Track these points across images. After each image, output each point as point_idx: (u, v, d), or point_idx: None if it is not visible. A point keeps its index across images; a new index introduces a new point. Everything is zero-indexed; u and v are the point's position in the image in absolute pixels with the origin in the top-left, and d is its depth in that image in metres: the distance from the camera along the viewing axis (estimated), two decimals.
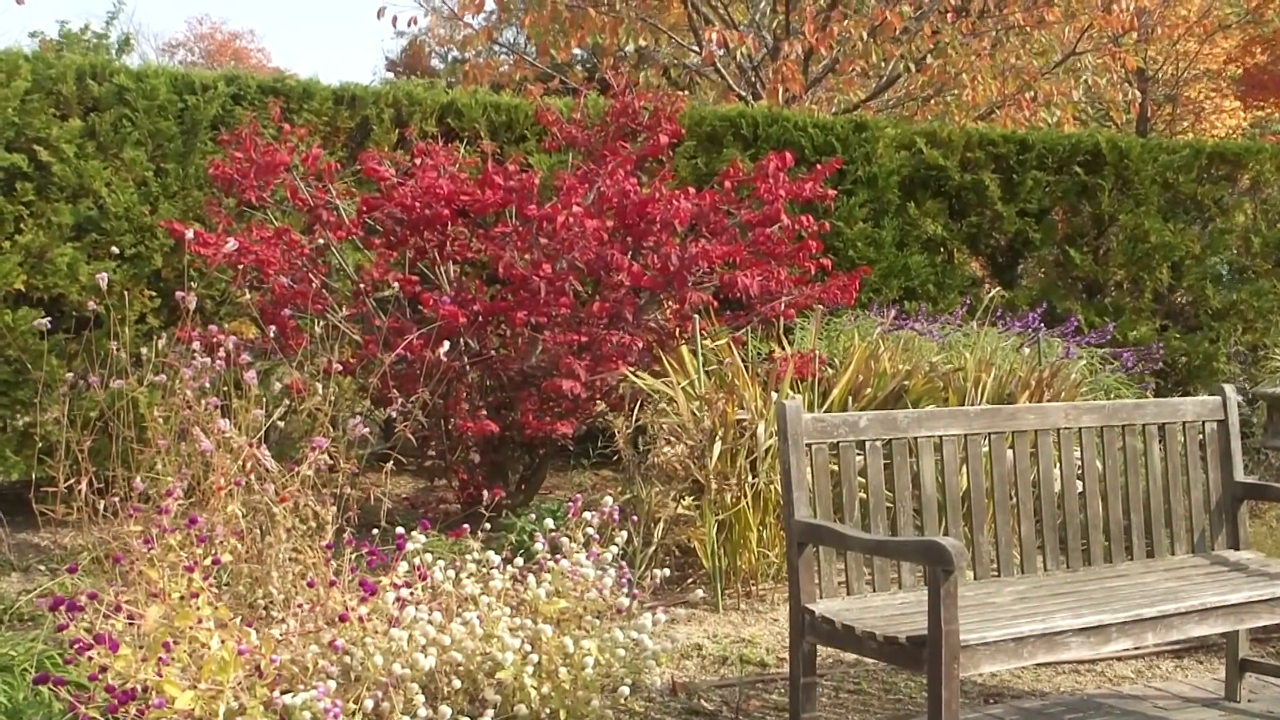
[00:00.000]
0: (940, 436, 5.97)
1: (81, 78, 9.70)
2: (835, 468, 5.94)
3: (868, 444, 5.79)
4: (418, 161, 9.07)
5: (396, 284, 8.38)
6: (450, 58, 28.46)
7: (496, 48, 21.83)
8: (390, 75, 34.41)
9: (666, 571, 6.82)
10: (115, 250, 8.99)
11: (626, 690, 5.66)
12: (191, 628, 5.30)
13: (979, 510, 6.10)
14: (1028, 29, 17.93)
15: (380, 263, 8.77)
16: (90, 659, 5.32)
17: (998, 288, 12.30)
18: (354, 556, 6.04)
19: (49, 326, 7.21)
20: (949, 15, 16.81)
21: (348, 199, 9.19)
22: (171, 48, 41.86)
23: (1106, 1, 17.22)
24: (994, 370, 8.85)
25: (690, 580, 7.71)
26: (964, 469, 6.28)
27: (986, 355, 9.18)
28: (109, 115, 9.59)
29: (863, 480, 5.84)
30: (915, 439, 5.90)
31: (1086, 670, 6.76)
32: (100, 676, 5.21)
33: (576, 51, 17.28)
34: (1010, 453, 6.18)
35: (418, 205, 8.50)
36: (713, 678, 6.49)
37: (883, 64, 16.92)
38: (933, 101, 18.75)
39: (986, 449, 6.21)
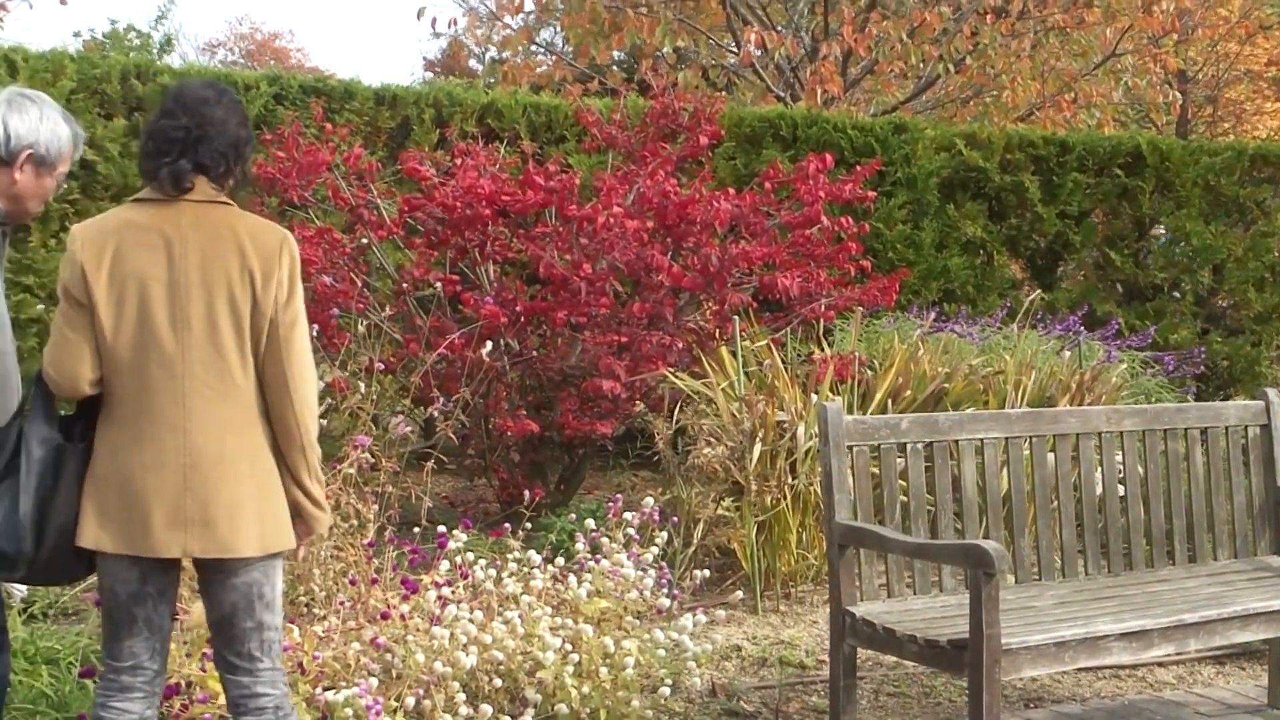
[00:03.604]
0: (982, 439, 5.97)
1: (126, 77, 9.77)
2: (876, 470, 5.94)
3: (909, 446, 5.78)
4: (458, 161, 9.08)
5: (439, 284, 8.40)
6: (488, 58, 28.52)
7: (534, 48, 21.88)
8: (428, 76, 34.50)
9: (706, 573, 6.84)
10: None
11: (667, 691, 5.68)
12: None
13: (1020, 514, 6.10)
14: (1067, 30, 17.85)
15: (421, 262, 8.79)
16: None
17: (1038, 290, 12.25)
18: (395, 555, 6.07)
19: None
20: (988, 16, 16.72)
21: (388, 198, 9.22)
22: (211, 48, 42.04)
23: (1147, 2, 17.12)
24: (1034, 373, 8.83)
25: (729, 581, 7.70)
26: (1005, 472, 6.27)
27: (1027, 358, 9.15)
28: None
29: (903, 483, 5.84)
30: (956, 441, 5.90)
31: (1127, 675, 6.74)
32: None
33: (615, 53, 17.28)
34: (1051, 456, 6.17)
35: (459, 205, 8.51)
36: (752, 679, 6.49)
37: (921, 65, 16.86)
38: (971, 103, 18.69)
39: (1028, 452, 6.20)
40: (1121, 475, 6.39)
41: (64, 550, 3.88)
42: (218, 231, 3.91)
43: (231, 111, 4.02)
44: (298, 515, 4.05)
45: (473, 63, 30.50)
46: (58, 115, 4.31)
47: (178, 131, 3.91)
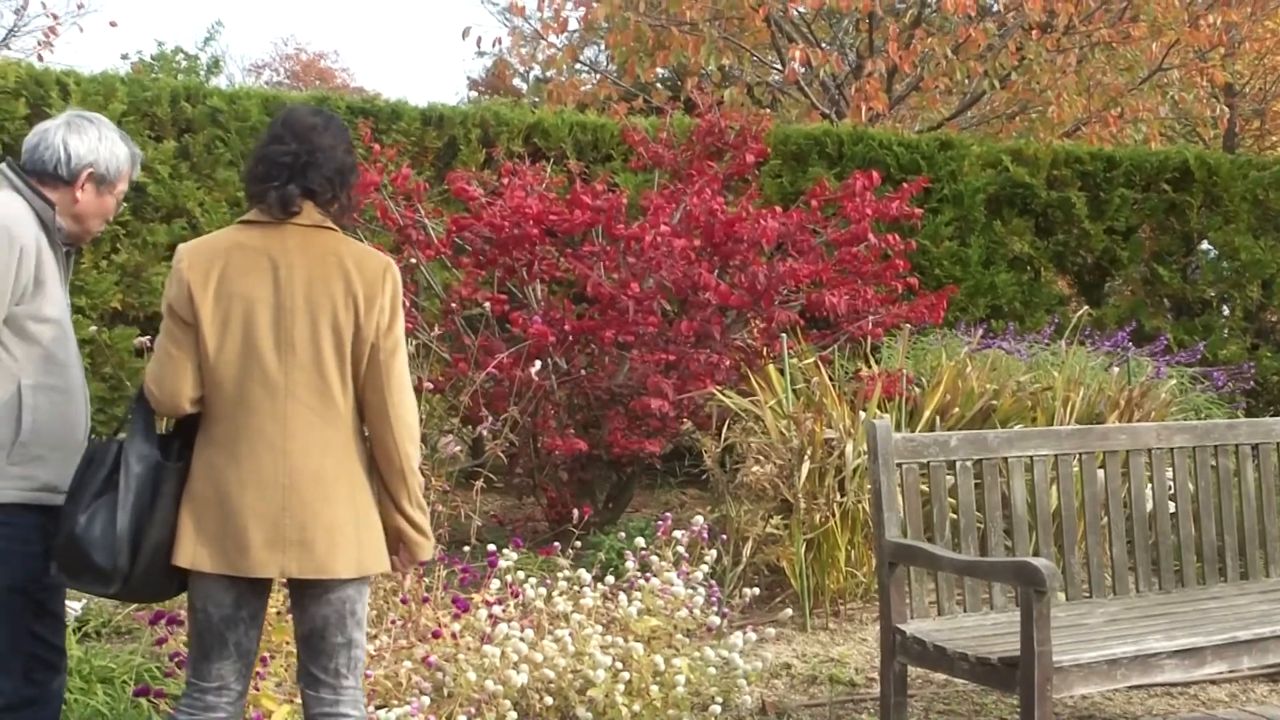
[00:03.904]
0: (1031, 456, 5.97)
1: (176, 100, 9.85)
2: (925, 488, 5.94)
3: (958, 464, 5.79)
4: (505, 181, 9.13)
5: (487, 303, 8.43)
6: (532, 77, 28.60)
7: (579, 66, 21.91)
8: (473, 95, 34.60)
9: (756, 590, 6.85)
10: None
11: (718, 709, 5.68)
12: (286, 642, 5.37)
13: (1070, 530, 6.09)
14: (1113, 45, 17.77)
15: (469, 281, 8.83)
16: None
17: (1085, 306, 12.22)
18: (445, 573, 6.10)
19: (149, 345, 7.36)
20: (1033, 32, 16.68)
21: (436, 218, 9.27)
22: (257, 68, 42.13)
23: (1193, 16, 17.04)
24: (1083, 390, 8.82)
25: (778, 599, 7.70)
26: (1054, 489, 6.26)
27: (1075, 374, 9.13)
28: (202, 136, 9.73)
29: (952, 500, 5.84)
30: (1006, 459, 5.90)
31: (1179, 693, 6.70)
32: None
33: (659, 70, 17.30)
34: (1101, 473, 6.16)
35: (507, 225, 8.55)
36: (802, 697, 6.49)
37: (966, 81, 16.83)
38: (1017, 119, 18.63)
39: (1077, 469, 6.19)
40: (1172, 492, 6.38)
41: (158, 568, 3.91)
42: (323, 256, 3.95)
43: (338, 139, 4.07)
44: (400, 541, 4.09)
45: (517, 81, 30.58)
46: (115, 135, 4.40)
47: (286, 156, 3.96)
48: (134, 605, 6.91)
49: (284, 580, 3.99)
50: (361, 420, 4.01)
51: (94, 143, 4.34)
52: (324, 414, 3.91)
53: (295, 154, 3.96)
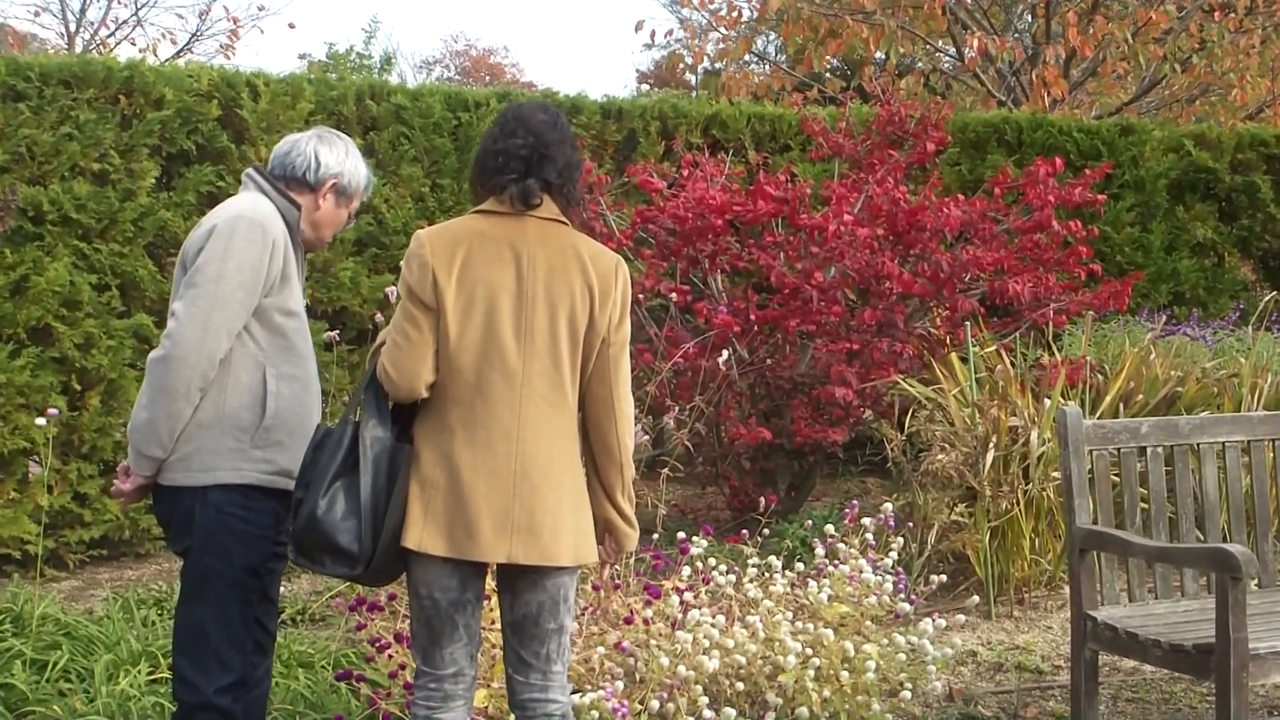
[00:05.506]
0: (1223, 443, 5.92)
1: (360, 98, 10.02)
2: (1115, 476, 5.92)
3: (1149, 450, 5.76)
4: (686, 173, 9.20)
5: (672, 294, 8.52)
6: (701, 69, 28.71)
7: (748, 57, 21.93)
8: (643, 88, 34.74)
9: (943, 578, 6.86)
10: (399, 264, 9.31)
11: (908, 695, 5.72)
12: (484, 629, 5.49)
13: (1263, 518, 6.03)
14: None
15: (651, 273, 8.92)
16: (390, 657, 5.56)
17: (1271, 292, 12.01)
18: (634, 561, 6.20)
19: (338, 339, 7.57)
20: (1214, 13, 16.39)
21: (615, 211, 9.37)
22: (428, 65, 42.69)
23: None
24: (1270, 376, 8.69)
25: (962, 587, 7.70)
26: (1247, 475, 6.20)
27: (1262, 361, 8.99)
28: (387, 134, 9.89)
29: (1143, 488, 5.81)
30: (1197, 445, 5.87)
31: None
32: (399, 674, 5.45)
33: (830, 60, 17.26)
34: None
35: (690, 216, 8.63)
36: (989, 684, 6.50)
37: (1144, 65, 16.59)
38: (1197, 102, 18.34)
39: (1270, 455, 6.13)
40: None
41: (390, 552, 3.97)
42: (562, 249, 4.04)
43: (565, 134, 4.16)
44: (609, 532, 4.17)
45: (686, 74, 30.65)
46: (359, 155, 4.64)
47: (523, 150, 4.05)
48: (330, 595, 7.15)
49: (499, 565, 4.08)
50: (580, 412, 4.10)
51: (341, 157, 4.57)
52: (555, 403, 3.99)
53: (531, 147, 4.05)
